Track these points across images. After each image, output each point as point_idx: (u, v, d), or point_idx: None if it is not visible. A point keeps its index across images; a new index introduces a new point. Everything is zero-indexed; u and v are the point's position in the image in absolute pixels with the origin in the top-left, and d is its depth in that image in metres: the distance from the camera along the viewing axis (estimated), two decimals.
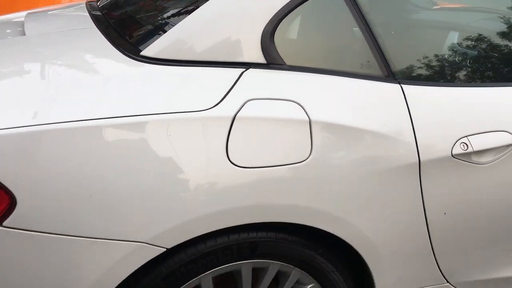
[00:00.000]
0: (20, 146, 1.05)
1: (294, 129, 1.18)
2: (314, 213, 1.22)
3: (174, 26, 1.28)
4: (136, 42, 1.34)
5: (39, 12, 1.95)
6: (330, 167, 1.21)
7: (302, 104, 1.20)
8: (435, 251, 1.39)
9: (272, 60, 1.25)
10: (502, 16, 1.56)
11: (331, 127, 1.21)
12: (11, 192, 1.05)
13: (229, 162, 1.13)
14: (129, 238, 1.10)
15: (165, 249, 1.13)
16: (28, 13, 1.84)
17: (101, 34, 1.41)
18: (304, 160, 1.18)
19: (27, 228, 1.07)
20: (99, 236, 1.09)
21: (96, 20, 1.56)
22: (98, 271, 1.10)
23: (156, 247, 1.12)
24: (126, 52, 1.26)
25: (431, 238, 1.37)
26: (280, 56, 1.25)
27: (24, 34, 1.54)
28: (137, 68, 1.22)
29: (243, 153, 1.14)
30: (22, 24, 1.66)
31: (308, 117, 1.19)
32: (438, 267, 1.43)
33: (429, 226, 1.35)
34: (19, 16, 1.88)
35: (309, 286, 1.33)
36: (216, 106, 1.15)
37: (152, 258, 1.13)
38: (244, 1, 1.27)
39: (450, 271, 1.45)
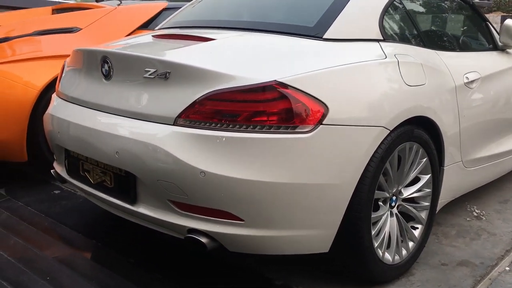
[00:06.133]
0: (321, 79, 1.93)
1: (418, 68, 2.30)
2: (429, 109, 2.31)
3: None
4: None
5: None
6: (429, 88, 2.34)
7: (411, 55, 2.33)
8: None
9: (385, 36, 2.34)
10: None
11: (423, 66, 2.35)
12: (325, 104, 1.88)
13: (404, 83, 2.17)
14: (378, 124, 2.01)
15: (389, 131, 2.06)
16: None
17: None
18: (424, 84, 2.30)
19: (336, 124, 1.91)
20: (369, 124, 1.98)
21: None
22: (365, 146, 1.98)
23: (387, 129, 2.06)
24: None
25: None
26: (387, 35, 2.35)
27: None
28: (331, 44, 2.17)
29: (407, 79, 2.19)
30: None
31: (420, 61, 2.32)
32: None
33: None
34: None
35: (424, 159, 2.38)
36: (387, 57, 2.19)
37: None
38: (367, 7, 2.35)
39: None
